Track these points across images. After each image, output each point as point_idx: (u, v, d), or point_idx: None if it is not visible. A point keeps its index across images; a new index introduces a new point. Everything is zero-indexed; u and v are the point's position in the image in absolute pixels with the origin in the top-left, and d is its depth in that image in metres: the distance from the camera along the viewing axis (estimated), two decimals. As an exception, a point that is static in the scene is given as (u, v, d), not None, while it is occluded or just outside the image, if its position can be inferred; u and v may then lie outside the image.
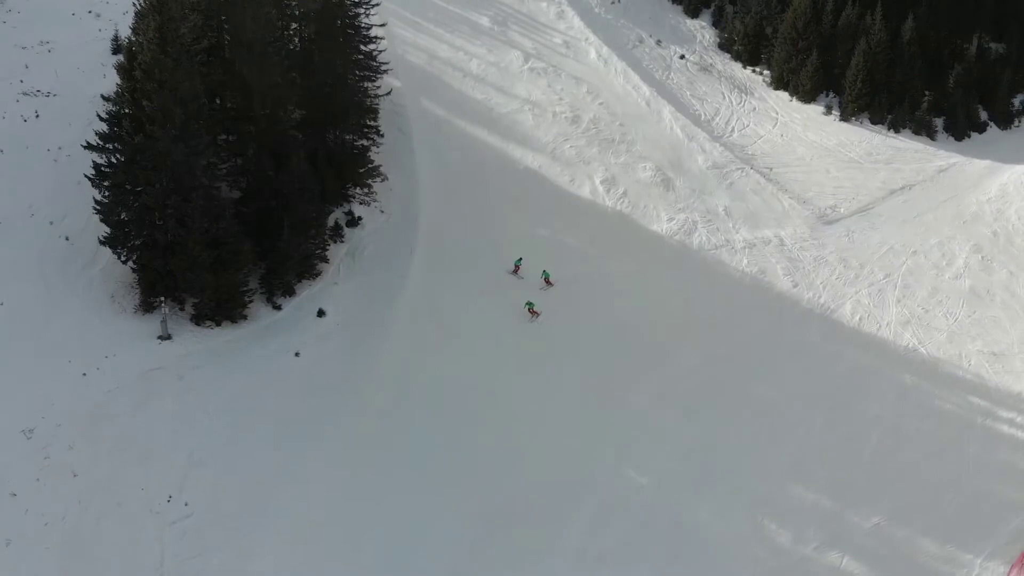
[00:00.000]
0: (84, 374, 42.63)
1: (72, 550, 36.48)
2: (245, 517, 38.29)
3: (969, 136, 76.62)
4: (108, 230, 44.75)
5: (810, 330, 51.02)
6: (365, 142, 53.24)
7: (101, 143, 44.04)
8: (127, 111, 43.29)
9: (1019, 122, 79.03)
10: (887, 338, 51.32)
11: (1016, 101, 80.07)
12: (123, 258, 45.38)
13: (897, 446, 43.75)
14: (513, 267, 50.81)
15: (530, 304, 48.03)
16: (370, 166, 53.86)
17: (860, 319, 52.52)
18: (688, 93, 72.40)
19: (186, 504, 38.37)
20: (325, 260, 50.22)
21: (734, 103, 73.31)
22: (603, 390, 44.52)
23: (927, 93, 77.10)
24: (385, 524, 37.80)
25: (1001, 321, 54.04)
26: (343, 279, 49.65)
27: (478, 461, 40.60)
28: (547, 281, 50.22)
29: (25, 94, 55.81)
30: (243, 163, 47.93)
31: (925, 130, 75.31)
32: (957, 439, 44.71)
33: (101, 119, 44.52)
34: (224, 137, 48.40)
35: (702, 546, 38.07)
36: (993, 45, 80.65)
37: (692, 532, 38.76)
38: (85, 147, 44.75)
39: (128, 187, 44.30)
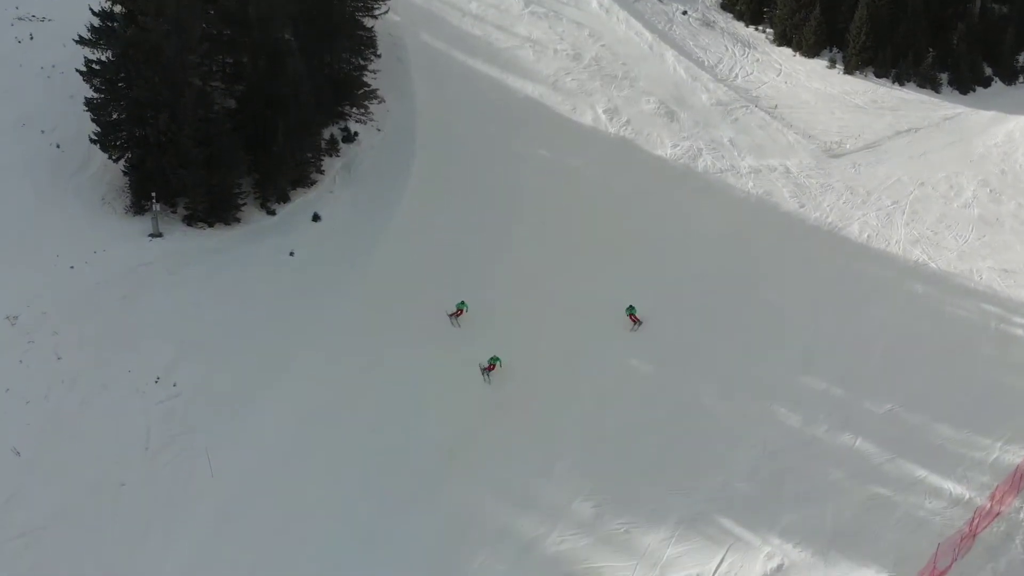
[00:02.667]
0: (72, 267, 41.71)
1: (55, 426, 35.28)
2: (234, 401, 37.11)
3: (974, 90, 75.94)
4: (97, 133, 43.69)
5: (817, 245, 50.03)
6: (361, 61, 52.30)
7: (93, 38, 43.20)
8: (120, 7, 42.61)
9: (1023, 78, 78.03)
10: (896, 253, 50.31)
11: (1021, 58, 79.16)
12: (114, 157, 44.39)
13: (909, 345, 42.51)
14: (455, 310, 41.40)
15: (494, 360, 38.80)
16: (366, 89, 52.95)
17: (868, 237, 51.58)
18: (691, 43, 72.01)
19: (174, 385, 37.21)
20: (320, 171, 49.30)
21: (737, 55, 72.88)
22: (606, 294, 43.31)
23: (931, 50, 76.25)
24: (376, 412, 36.55)
25: (1012, 244, 53.18)
26: (338, 189, 48.75)
27: (475, 350, 39.23)
28: (633, 318, 42.01)
29: (20, 19, 55.28)
30: (237, 69, 46.98)
31: (930, 84, 74.63)
32: (970, 340, 43.47)
33: (94, 13, 43.79)
34: (221, 58, 47.79)
35: (709, 425, 36.75)
36: (996, 5, 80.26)
37: (698, 413, 37.53)
38: (77, 41, 44.15)
39: (120, 83, 43.34)
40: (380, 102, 53.75)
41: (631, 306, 41.68)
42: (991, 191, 58.42)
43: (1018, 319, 45.79)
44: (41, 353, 37.85)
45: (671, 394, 38.42)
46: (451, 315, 40.74)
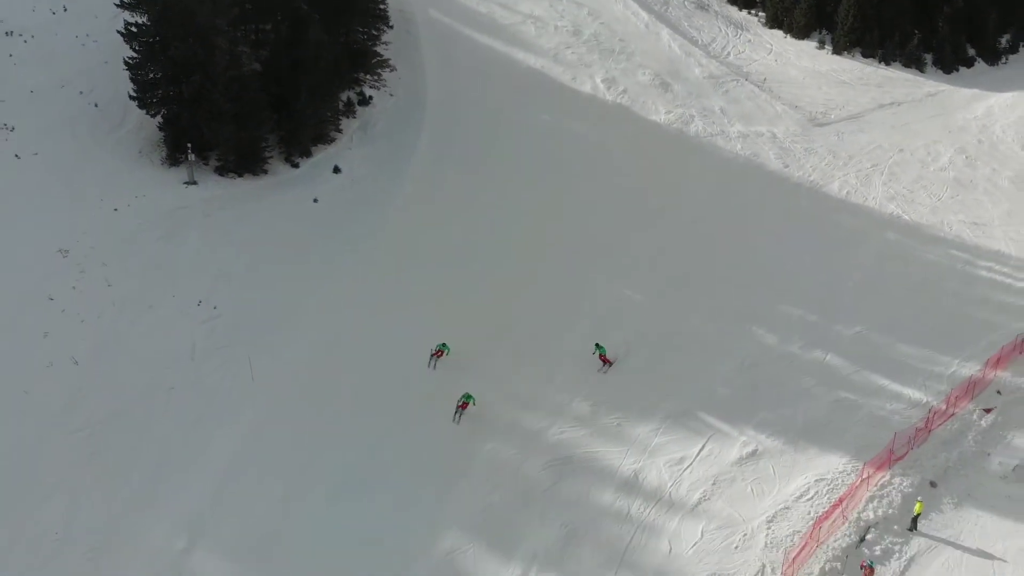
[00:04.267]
0: (115, 209, 47.50)
1: (108, 341, 40.88)
2: (268, 322, 42.70)
3: (957, 70, 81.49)
4: (135, 90, 49.60)
5: (799, 199, 55.79)
6: (374, 32, 58.31)
7: (132, 1, 49.23)
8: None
9: (1006, 59, 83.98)
10: (873, 207, 56.05)
11: (1003, 40, 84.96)
12: (151, 113, 50.29)
13: (880, 281, 48.18)
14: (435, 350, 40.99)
15: (601, 349, 40.70)
16: (379, 59, 58.95)
17: (847, 193, 57.32)
18: (686, 24, 77.93)
19: (214, 308, 42.88)
20: (338, 130, 55.23)
21: (730, 35, 78.79)
22: (603, 238, 49.17)
23: (916, 32, 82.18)
24: (394, 332, 42.47)
25: (983, 202, 58.79)
26: (356, 146, 54.61)
27: (480, 285, 45.04)
28: (603, 358, 41.42)
29: (55, -8, 61.10)
30: (262, 36, 52.97)
31: (915, 64, 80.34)
32: (937, 278, 49.13)
33: (133, -20, 49.87)
34: (248, 25, 53.73)
35: (694, 343, 42.41)
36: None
37: (685, 334, 43.13)
38: (117, 5, 50.06)
39: (157, 44, 49.34)
40: (392, 70, 59.69)
41: (599, 345, 41.00)
42: (967, 157, 64.17)
43: (983, 263, 51.51)
44: (92, 281, 43.59)
45: (661, 319, 44.11)
46: (432, 355, 40.45)
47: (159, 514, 33.74)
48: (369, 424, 37.21)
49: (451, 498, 34.47)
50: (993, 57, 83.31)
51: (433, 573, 31.88)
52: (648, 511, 34.48)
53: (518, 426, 37.97)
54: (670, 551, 32.93)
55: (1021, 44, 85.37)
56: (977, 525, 34.14)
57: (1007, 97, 72.48)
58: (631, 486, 35.56)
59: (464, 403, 37.39)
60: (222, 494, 34.30)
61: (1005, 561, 32.62)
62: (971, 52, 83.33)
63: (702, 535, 33.45)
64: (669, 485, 35.49)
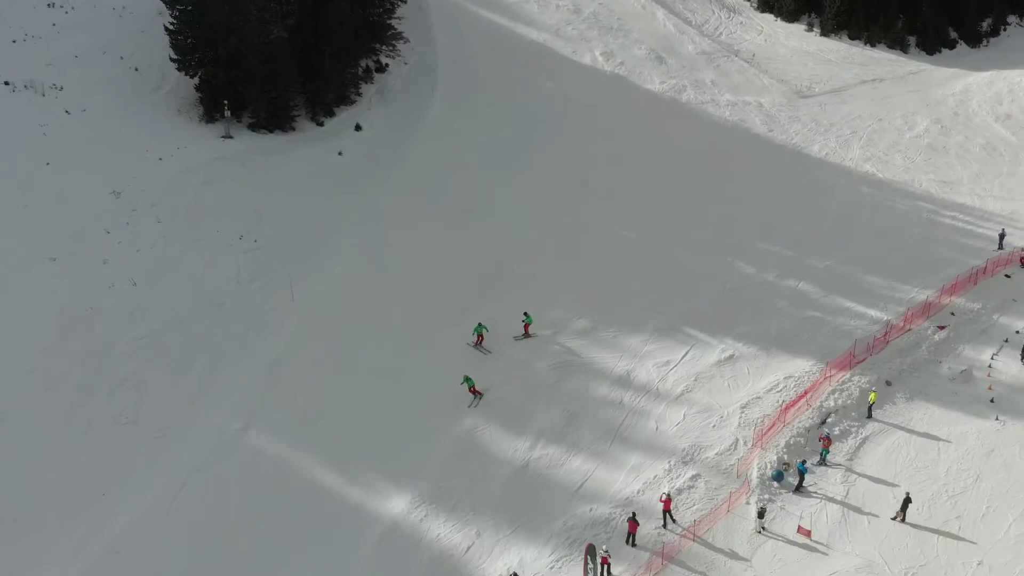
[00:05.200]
0: (160, 159, 54.89)
1: (162, 266, 48.14)
2: (304, 253, 49.99)
3: (940, 52, 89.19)
4: (175, 54, 57.13)
5: (782, 158, 63.31)
6: (389, 6, 66.07)
7: (172, -30, 56.89)
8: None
9: (987, 42, 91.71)
10: (849, 167, 63.61)
11: (984, 24, 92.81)
12: (190, 74, 57.86)
13: (852, 225, 55.61)
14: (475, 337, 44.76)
15: (469, 381, 41.63)
16: (393, 31, 66.69)
17: (826, 154, 64.93)
18: (680, 6, 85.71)
19: (255, 241, 50.33)
20: (358, 93, 62.81)
21: (723, 17, 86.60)
22: (601, 185, 56.65)
23: (901, 15, 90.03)
24: (413, 264, 49.79)
25: (954, 165, 66.35)
26: (374, 107, 62.18)
27: (489, 225, 52.86)
28: (526, 328, 45.11)
29: (92, -34, 68.50)
30: (288, 7, 60.66)
31: (899, 45, 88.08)
32: (904, 224, 56.58)
33: (173, -50, 57.53)
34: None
35: (680, 272, 49.75)
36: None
37: (672, 265, 50.45)
38: (159, -26, 57.59)
39: (195, 10, 56.96)
40: (406, 42, 67.31)
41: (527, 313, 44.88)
42: (942, 127, 71.83)
43: (948, 213, 59.04)
44: (143, 218, 50.96)
45: (651, 253, 51.44)
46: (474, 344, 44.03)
47: (216, 402, 40.85)
48: (397, 334, 44.41)
49: (427, 423, 41.22)
50: (974, 40, 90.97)
51: (458, 444, 39.05)
52: (638, 400, 41.71)
53: (527, 339, 45.24)
54: (656, 429, 40.15)
55: (1001, 28, 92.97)
56: (926, 415, 41.26)
57: (985, 75, 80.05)
58: (624, 382, 42.82)
59: (472, 387, 40.95)
60: (271, 384, 41.47)
61: (949, 442, 39.75)
62: (953, 35, 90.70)
63: (684, 417, 40.68)
64: (656, 381, 42.76)
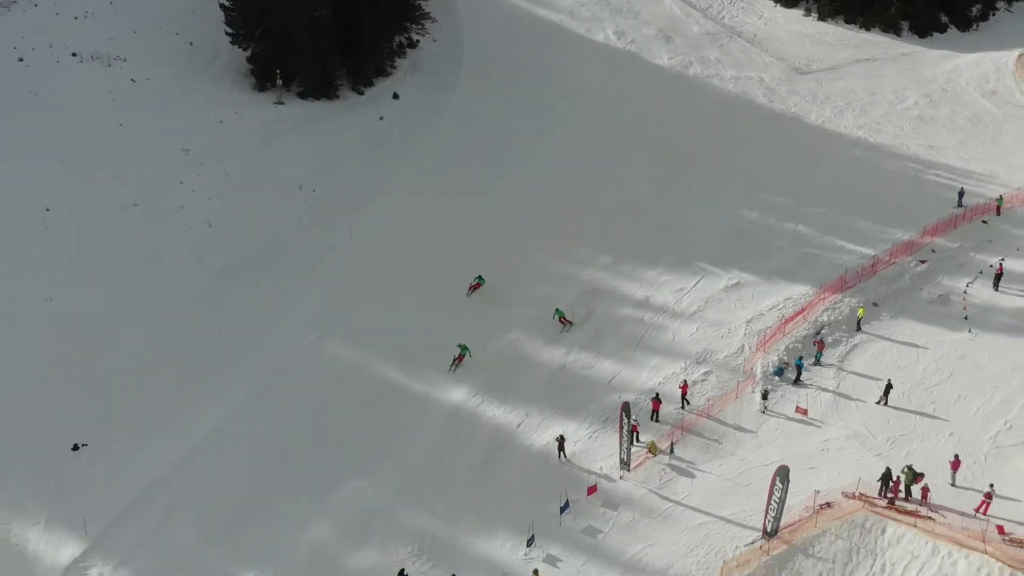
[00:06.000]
0: (221, 121, 63.56)
1: (232, 212, 56.52)
2: (355, 202, 58.48)
3: (931, 35, 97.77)
4: (230, 29, 66.00)
5: (781, 125, 72.04)
6: (417, -15, 75.21)
7: (227, -47, 65.83)
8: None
9: (976, 26, 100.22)
10: (843, 133, 72.37)
11: (974, 9, 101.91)
12: (243, 47, 66.77)
13: (845, 182, 64.18)
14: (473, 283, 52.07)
15: (560, 313, 49.64)
16: (421, 11, 75.74)
17: (822, 122, 73.71)
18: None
19: (313, 191, 59.05)
20: (393, 67, 71.66)
21: (725, 2, 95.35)
22: (616, 147, 65.08)
23: (895, 1, 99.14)
24: (447, 214, 58.15)
25: (940, 133, 75.04)
26: (408, 78, 71.04)
27: (515, 179, 61.21)
28: (562, 320, 50.35)
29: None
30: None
31: (893, 29, 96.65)
32: (893, 180, 65.16)
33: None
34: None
35: (689, 222, 58.23)
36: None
37: (683, 213, 59.12)
38: (216, -47, 66.54)
39: (248, -10, 65.74)
40: (434, 21, 76.24)
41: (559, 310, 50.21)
42: (931, 101, 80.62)
43: (932, 172, 67.73)
44: (211, 171, 59.55)
45: (663, 204, 59.69)
46: (471, 288, 51.47)
47: (290, 321, 49.32)
48: (442, 270, 52.91)
49: (511, 314, 50.12)
50: (964, 24, 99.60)
51: (504, 352, 47.74)
52: (657, 318, 50.39)
53: (556, 272, 53.96)
54: (673, 339, 48.84)
55: (991, 13, 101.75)
56: (907, 328, 49.79)
57: (974, 56, 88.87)
58: (644, 305, 51.50)
59: (460, 355, 46.44)
60: (337, 307, 49.94)
61: (927, 348, 48.04)
62: (944, 20, 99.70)
63: (697, 330, 49.35)
64: (672, 303, 51.45)
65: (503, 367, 46.31)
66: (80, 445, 40.28)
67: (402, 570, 34.19)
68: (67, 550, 35.88)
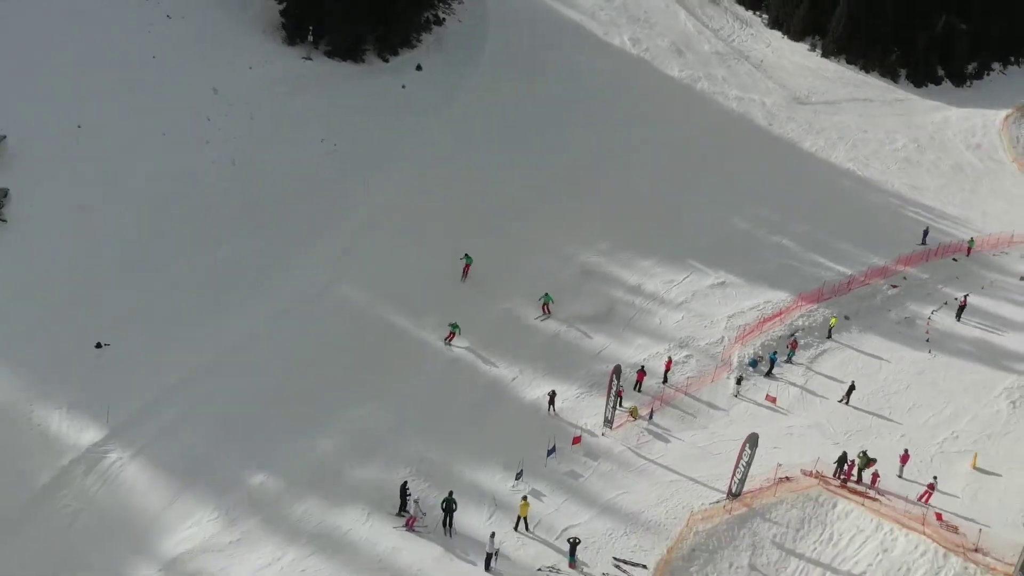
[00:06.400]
0: (250, 68, 67.64)
1: (255, 151, 60.30)
2: (373, 158, 62.69)
3: (927, 85, 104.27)
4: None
5: (777, 148, 77.55)
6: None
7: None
8: None
9: (971, 83, 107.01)
10: (834, 162, 78.05)
11: (970, 67, 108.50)
12: (279, 3, 70.91)
13: (831, 206, 69.54)
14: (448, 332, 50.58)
15: (547, 298, 52.57)
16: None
17: (816, 150, 79.33)
18: (699, 11, 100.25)
19: (334, 144, 63.40)
20: (419, 40, 76.28)
21: (736, 27, 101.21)
22: (620, 143, 70.11)
23: (896, 49, 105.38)
24: (465, 174, 62.87)
25: (923, 176, 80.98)
26: (432, 53, 75.63)
27: (522, 160, 65.85)
28: (545, 307, 53.18)
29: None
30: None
31: (890, 74, 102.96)
32: (874, 212, 70.77)
33: None
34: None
35: (685, 222, 63.23)
36: (956, 21, 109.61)
37: (680, 214, 64.19)
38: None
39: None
40: (460, 2, 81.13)
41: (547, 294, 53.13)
42: (918, 146, 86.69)
43: (912, 208, 73.45)
44: (238, 112, 63.53)
45: (659, 205, 64.64)
46: (446, 340, 50.14)
47: (308, 259, 53.21)
48: (446, 231, 57.35)
49: (510, 282, 54.59)
50: (959, 80, 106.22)
51: (502, 316, 52.35)
52: (646, 303, 55.24)
53: (558, 250, 58.63)
54: (660, 323, 53.73)
55: (985, 72, 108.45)
56: (873, 342, 54.98)
57: (964, 111, 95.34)
58: (636, 290, 56.35)
59: (451, 333, 49.10)
60: (352, 251, 54.11)
61: (889, 361, 53.21)
62: (941, 73, 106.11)
63: (682, 318, 54.27)
64: (662, 292, 56.34)
65: (501, 330, 50.82)
66: (103, 344, 43.87)
67: (405, 483, 38.40)
68: (88, 435, 39.37)
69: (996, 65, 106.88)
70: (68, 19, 62.30)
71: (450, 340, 49.41)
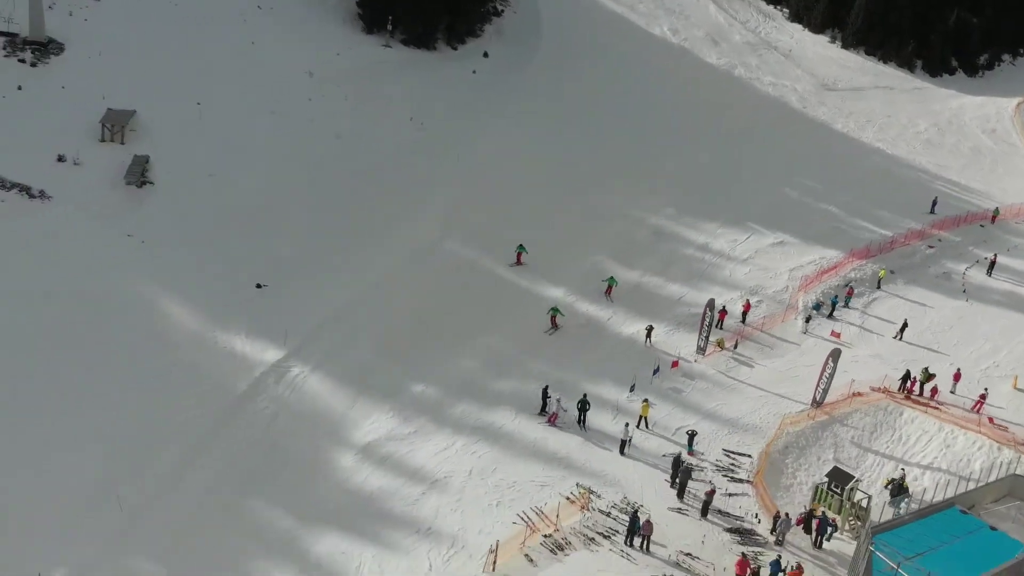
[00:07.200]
0: (338, 53, 76.93)
1: (354, 127, 69.36)
2: (458, 135, 71.90)
3: (941, 76, 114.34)
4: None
5: (810, 129, 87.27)
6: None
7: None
8: None
9: (983, 73, 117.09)
10: (865, 142, 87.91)
11: (982, 58, 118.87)
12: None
13: (868, 180, 79.04)
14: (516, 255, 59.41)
15: (555, 311, 55.19)
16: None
17: (847, 132, 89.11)
18: (726, 4, 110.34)
19: (422, 123, 72.65)
20: (482, 30, 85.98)
21: (760, 20, 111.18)
22: (674, 126, 79.80)
23: (912, 41, 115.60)
24: (535, 146, 72.10)
25: (946, 156, 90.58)
26: (494, 42, 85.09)
27: (587, 137, 75.05)
28: (553, 320, 55.53)
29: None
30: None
31: (907, 65, 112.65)
32: (907, 185, 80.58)
33: None
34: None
35: (738, 189, 73.07)
36: (968, 16, 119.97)
37: (731, 184, 73.94)
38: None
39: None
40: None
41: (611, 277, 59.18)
42: (939, 130, 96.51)
43: (939, 182, 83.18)
44: (333, 94, 72.50)
45: (717, 175, 74.17)
46: (514, 263, 59.62)
47: (416, 218, 62.46)
48: (535, 198, 66.47)
49: (593, 239, 64.15)
50: (972, 70, 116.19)
51: (588, 269, 61.68)
52: (715, 259, 64.40)
53: (629, 213, 68.08)
54: (730, 275, 63.01)
55: (996, 63, 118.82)
56: (916, 292, 64.11)
57: (978, 99, 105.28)
58: (704, 248, 65.68)
59: (553, 317, 54.64)
60: (452, 215, 63.42)
61: (933, 308, 62.67)
62: (955, 64, 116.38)
63: (749, 271, 63.53)
64: (728, 250, 65.64)
65: (588, 280, 59.95)
66: (262, 285, 53.04)
67: (546, 387, 47.69)
68: (270, 354, 48.29)
69: (1006, 56, 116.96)
70: (175, 9, 71.02)
71: (553, 324, 55.20)
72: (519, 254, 60.10)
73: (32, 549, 35.13)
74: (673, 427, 47.01)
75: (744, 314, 57.19)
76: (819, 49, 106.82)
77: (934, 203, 74.98)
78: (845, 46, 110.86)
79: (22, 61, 62.36)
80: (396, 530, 38.98)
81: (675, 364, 51.82)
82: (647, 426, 46.33)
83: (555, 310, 54.96)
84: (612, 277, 58.32)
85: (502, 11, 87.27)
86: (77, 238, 51.43)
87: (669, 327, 56.04)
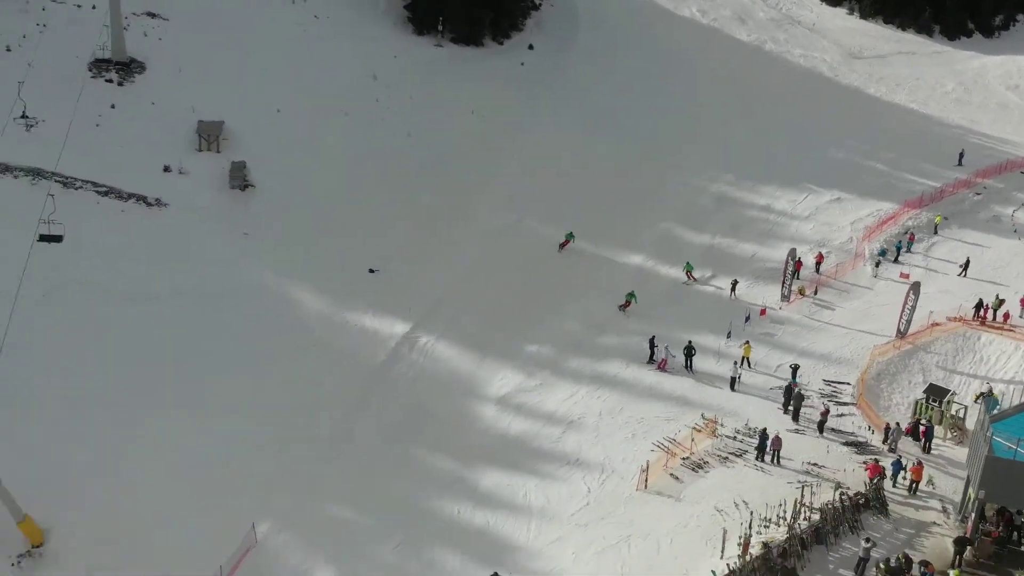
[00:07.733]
0: (395, 56, 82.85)
1: (418, 122, 74.90)
2: (512, 125, 77.29)
3: (959, 39, 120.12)
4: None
5: (844, 95, 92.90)
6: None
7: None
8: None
9: (999, 34, 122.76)
10: (898, 103, 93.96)
11: (997, 19, 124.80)
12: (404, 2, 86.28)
13: (907, 138, 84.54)
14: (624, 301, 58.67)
15: (631, 296, 58.11)
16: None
17: (880, 95, 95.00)
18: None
19: (471, 112, 78.05)
20: (523, 24, 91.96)
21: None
22: (712, 101, 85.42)
23: (928, 7, 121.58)
24: (583, 133, 77.22)
25: (977, 113, 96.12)
26: (536, 34, 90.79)
27: (635, 118, 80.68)
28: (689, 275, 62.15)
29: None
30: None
31: (925, 31, 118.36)
32: (944, 140, 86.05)
33: None
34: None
35: (787, 156, 78.93)
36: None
37: (778, 150, 79.63)
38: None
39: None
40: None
41: (688, 263, 62.65)
42: (965, 89, 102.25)
43: (975, 137, 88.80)
44: (397, 93, 77.97)
45: (763, 143, 79.97)
46: (622, 306, 58.47)
47: (490, 203, 68.52)
48: (600, 175, 72.24)
49: (661, 207, 70.07)
50: (988, 31, 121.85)
51: (660, 234, 67.57)
52: (779, 218, 70.11)
53: (690, 183, 73.67)
54: (796, 231, 68.63)
55: (1012, 23, 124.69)
56: (971, 235, 69.35)
57: (998, 58, 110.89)
58: (767, 209, 71.28)
59: (627, 302, 58.10)
60: (522, 198, 69.29)
61: (989, 247, 68.20)
62: (971, 26, 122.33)
63: (813, 227, 69.31)
64: (789, 209, 71.30)
65: (661, 245, 65.64)
66: (374, 270, 58.72)
67: (653, 336, 53.35)
68: (398, 327, 53.87)
69: (1021, 16, 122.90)
70: (237, 22, 76.75)
71: (626, 308, 58.34)
72: (566, 240, 63.60)
73: (238, 504, 40.44)
74: (773, 365, 52.28)
75: (817, 264, 62.57)
76: (839, 21, 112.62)
77: (961, 155, 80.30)
78: (863, 16, 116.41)
79: (109, 81, 67.61)
80: (548, 463, 44.34)
81: (763, 312, 57.36)
82: (750, 365, 51.74)
83: (631, 295, 58.09)
84: (632, 292, 58.52)
85: (539, 4, 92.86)
86: (198, 239, 56.78)
87: (749, 280, 61.29)
